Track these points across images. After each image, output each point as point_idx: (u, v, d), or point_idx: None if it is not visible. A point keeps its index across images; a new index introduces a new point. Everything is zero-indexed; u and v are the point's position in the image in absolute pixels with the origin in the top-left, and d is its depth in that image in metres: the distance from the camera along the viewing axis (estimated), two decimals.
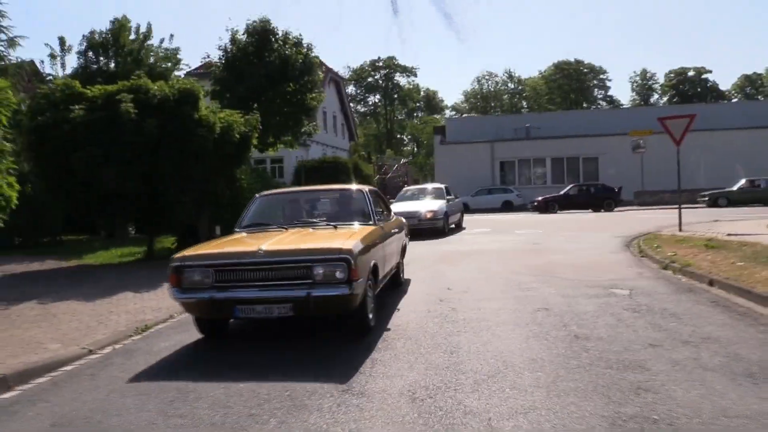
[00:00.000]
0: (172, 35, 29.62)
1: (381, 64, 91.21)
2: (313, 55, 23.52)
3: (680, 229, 15.00)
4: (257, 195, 8.02)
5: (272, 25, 22.45)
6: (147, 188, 12.54)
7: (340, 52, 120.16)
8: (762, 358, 4.72)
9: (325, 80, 45.80)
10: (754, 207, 28.66)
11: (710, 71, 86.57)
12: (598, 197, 31.13)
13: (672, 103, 76.20)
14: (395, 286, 8.44)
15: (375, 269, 6.25)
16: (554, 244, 13.83)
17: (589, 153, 39.14)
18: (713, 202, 30.57)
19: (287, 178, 39.70)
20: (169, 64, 24.98)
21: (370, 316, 6.03)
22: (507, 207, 36.04)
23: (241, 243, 6.34)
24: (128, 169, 12.15)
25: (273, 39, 22.33)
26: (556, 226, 19.56)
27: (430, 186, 21.42)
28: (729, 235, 12.77)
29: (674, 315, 6.32)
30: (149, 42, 24.88)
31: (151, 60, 24.73)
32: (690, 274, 8.72)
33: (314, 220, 7.23)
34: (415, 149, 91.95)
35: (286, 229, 6.68)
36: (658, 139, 35.83)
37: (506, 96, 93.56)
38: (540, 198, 31.36)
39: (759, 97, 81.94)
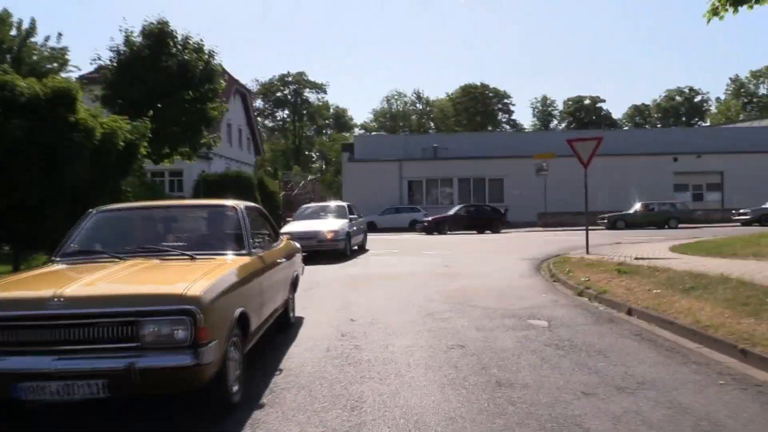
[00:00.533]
0: (60, 34, 27.27)
1: (290, 79, 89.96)
2: (215, 62, 22.19)
3: (588, 252, 14.87)
4: (92, 210, 5.92)
5: (170, 28, 20.95)
6: (7, 199, 10.87)
7: (249, 65, 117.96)
8: (708, 410, 4.11)
9: (231, 91, 44.16)
10: (649, 229, 29.75)
11: (604, 101, 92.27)
12: (485, 219, 30.94)
13: (570, 129, 79.65)
14: (282, 329, 6.79)
15: (243, 320, 4.59)
16: (465, 267, 13.25)
17: (495, 174, 39.65)
18: (612, 225, 31.54)
19: (187, 191, 37.68)
20: (55, 65, 22.90)
21: (234, 389, 4.33)
22: (414, 226, 35.71)
23: (41, 282, 4.50)
24: None
25: (171, 42, 20.84)
26: (463, 248, 19.16)
27: (332, 204, 19.90)
28: (637, 258, 12.65)
29: (600, 352, 5.70)
30: (32, 39, 22.74)
31: (34, 59, 22.55)
32: (607, 302, 8.27)
33: (168, 247, 5.36)
34: (324, 166, 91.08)
35: (122, 259, 4.90)
36: (560, 163, 36.90)
37: (414, 116, 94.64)
38: (430, 218, 30.58)
39: (647, 126, 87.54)
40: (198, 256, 5.01)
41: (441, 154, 41.78)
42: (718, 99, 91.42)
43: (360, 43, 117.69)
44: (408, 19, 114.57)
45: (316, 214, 18.04)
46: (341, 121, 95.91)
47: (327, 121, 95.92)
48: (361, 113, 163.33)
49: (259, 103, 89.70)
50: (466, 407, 4.20)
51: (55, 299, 3.77)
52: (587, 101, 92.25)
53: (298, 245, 7.99)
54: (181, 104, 21.03)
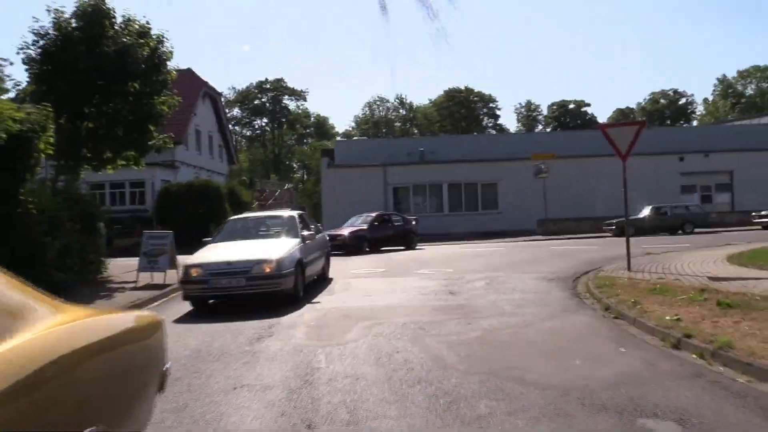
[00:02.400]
0: None
1: (268, 86, 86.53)
2: (165, 48, 18.62)
3: (629, 268, 11.60)
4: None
5: (107, 6, 17.41)
6: None
7: (224, 72, 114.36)
8: None
9: (199, 94, 40.62)
10: (661, 235, 26.57)
11: (589, 104, 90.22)
12: (401, 232, 24.32)
13: (556, 132, 77.02)
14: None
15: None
16: (476, 295, 9.86)
17: (488, 179, 36.41)
18: (621, 231, 28.10)
19: (149, 203, 34.04)
20: None
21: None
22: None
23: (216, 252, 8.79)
24: None
25: (108, 23, 17.30)
26: (464, 264, 15.80)
27: (276, 214, 13.76)
28: (714, 279, 9.37)
29: None
30: None
31: None
32: (743, 366, 4.92)
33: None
34: (305, 176, 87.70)
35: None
36: (561, 164, 33.88)
37: (398, 123, 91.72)
38: (347, 232, 22.32)
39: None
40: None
41: (428, 158, 38.56)
42: (705, 100, 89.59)
43: (340, 49, 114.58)
44: (389, 24, 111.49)
45: (248, 232, 11.90)
46: (323, 129, 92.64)
47: (308, 130, 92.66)
48: (342, 122, 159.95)
49: (236, 111, 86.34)
50: None
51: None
52: (572, 105, 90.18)
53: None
54: (123, 99, 17.53)
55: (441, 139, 50.52)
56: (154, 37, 18.54)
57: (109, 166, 18.96)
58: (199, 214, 28.00)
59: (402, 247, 23.16)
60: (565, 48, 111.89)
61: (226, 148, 48.44)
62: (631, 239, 25.39)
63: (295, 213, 12.56)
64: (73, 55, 16.95)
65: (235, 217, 13.78)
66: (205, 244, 11.25)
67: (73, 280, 12.30)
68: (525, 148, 36.76)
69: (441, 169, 36.36)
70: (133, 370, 2.68)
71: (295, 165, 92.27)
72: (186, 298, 9.76)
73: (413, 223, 25.56)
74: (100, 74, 17.10)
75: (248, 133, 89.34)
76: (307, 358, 5.92)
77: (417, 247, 23.46)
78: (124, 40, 17.30)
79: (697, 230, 28.17)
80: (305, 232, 11.36)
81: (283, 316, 8.41)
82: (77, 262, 12.75)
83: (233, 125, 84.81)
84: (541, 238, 28.70)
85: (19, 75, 72.65)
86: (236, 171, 56.30)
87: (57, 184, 17.69)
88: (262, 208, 34.01)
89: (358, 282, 12.35)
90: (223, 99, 62.01)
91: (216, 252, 10.33)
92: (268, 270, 9.36)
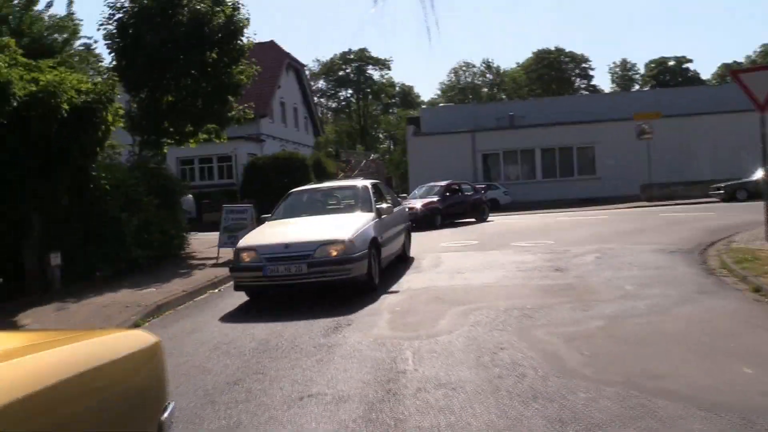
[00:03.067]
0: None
1: (352, 56, 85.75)
2: (240, 15, 17.91)
3: None
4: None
5: None
6: None
7: (308, 45, 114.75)
8: None
9: (282, 66, 40.28)
10: None
11: (691, 60, 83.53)
12: (473, 203, 22.12)
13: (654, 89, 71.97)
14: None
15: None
16: (590, 273, 8.47)
17: (584, 142, 34.05)
18: (730, 196, 25.36)
19: (237, 177, 34.13)
20: (65, 36, 19.30)
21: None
22: (493, 206, 30.85)
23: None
24: None
25: None
26: (566, 235, 14.30)
27: (347, 184, 11.87)
28: None
29: None
30: (35, 8, 19.26)
31: (40, 30, 18.98)
32: None
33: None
34: (392, 146, 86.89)
35: None
36: (666, 124, 31.12)
37: (485, 88, 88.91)
38: (419, 205, 19.45)
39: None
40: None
41: (518, 122, 36.59)
42: None
43: (422, 15, 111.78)
44: None
45: (314, 206, 10.07)
46: (408, 99, 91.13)
47: (393, 100, 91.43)
48: (428, 90, 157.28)
49: (321, 83, 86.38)
50: None
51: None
52: (672, 62, 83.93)
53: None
54: (200, 68, 17.02)
55: (531, 102, 47.92)
56: (229, 3, 17.86)
57: (191, 139, 18.59)
58: (284, 186, 27.66)
59: (473, 219, 21.15)
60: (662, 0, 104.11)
61: (311, 120, 48.16)
62: (739, 203, 23.02)
63: (368, 183, 10.43)
64: (148, 26, 16.53)
65: (299, 188, 11.26)
66: (263, 221, 9.78)
67: (153, 257, 11.93)
68: (623, 108, 34.13)
69: (532, 134, 34.34)
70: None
71: (381, 135, 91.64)
72: (238, 288, 8.17)
73: (483, 192, 24.10)
74: (176, 44, 16.60)
75: (334, 105, 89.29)
76: (391, 355, 4.90)
77: (489, 219, 21.68)
78: (199, 7, 16.69)
79: None
80: (382, 205, 9.56)
81: (360, 310, 7.04)
82: (157, 238, 12.35)
83: (318, 97, 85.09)
84: (645, 205, 26.39)
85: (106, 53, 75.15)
86: (322, 143, 56.11)
87: (142, 159, 17.54)
88: (348, 179, 33.34)
89: (449, 257, 11.16)
90: (307, 71, 61.96)
91: (273, 232, 8.67)
92: (334, 253, 7.61)
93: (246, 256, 7.90)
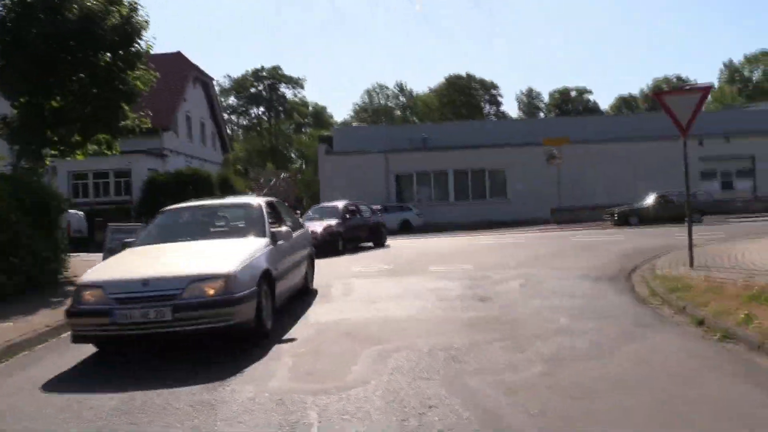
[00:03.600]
0: None
1: (265, 73, 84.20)
2: (139, 17, 16.38)
3: (692, 264, 9.52)
4: None
5: None
6: None
7: (219, 61, 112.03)
8: None
9: (189, 78, 38.35)
10: (668, 226, 23.45)
11: (590, 92, 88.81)
12: (373, 226, 20.61)
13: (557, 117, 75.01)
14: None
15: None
16: (516, 303, 7.74)
17: (496, 165, 34.28)
18: (623, 220, 25.80)
19: (135, 194, 31.84)
20: None
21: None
22: (406, 228, 30.32)
23: None
24: None
25: None
26: (484, 258, 13.71)
27: (234, 201, 9.44)
28: None
29: None
30: None
31: None
32: None
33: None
34: (303, 166, 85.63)
35: None
36: (573, 149, 31.74)
37: (398, 111, 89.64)
38: (319, 229, 16.68)
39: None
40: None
41: (431, 145, 36.47)
42: (711, 86, 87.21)
43: (337, 37, 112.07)
44: (388, 13, 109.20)
45: (193, 229, 8.04)
46: (321, 119, 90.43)
47: (306, 119, 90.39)
48: (341, 111, 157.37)
49: (232, 100, 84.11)
50: None
51: None
52: (573, 93, 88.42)
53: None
54: (89, 72, 15.39)
55: (444, 125, 48.19)
56: (126, 3, 16.30)
57: (78, 151, 16.80)
58: None
59: (371, 244, 19.62)
60: (567, 32, 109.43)
61: (219, 136, 46.21)
62: (631, 228, 23.46)
63: (262, 200, 8.54)
64: (30, 22, 14.75)
65: (175, 206, 8.88)
66: (125, 246, 7.59)
67: (19, 283, 10.26)
68: (532, 133, 34.78)
69: (446, 156, 34.25)
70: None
71: (293, 155, 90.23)
72: (77, 338, 5.99)
73: (379, 215, 22.51)
74: (62, 43, 14.92)
75: (245, 122, 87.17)
76: (290, 419, 3.83)
77: (395, 242, 20.58)
78: (90, 4, 15.09)
79: (706, 219, 25.47)
80: (280, 228, 7.80)
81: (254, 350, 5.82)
82: (27, 262, 10.68)
83: (229, 114, 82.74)
84: (554, 228, 26.58)
85: None
86: (231, 160, 54.06)
87: (17, 171, 15.58)
88: (240, 196, 31.79)
89: (361, 285, 10.18)
90: (217, 87, 59.85)
91: (131, 263, 6.64)
92: (211, 292, 5.72)
93: (89, 296, 5.89)
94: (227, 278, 5.80)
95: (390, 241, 20.58)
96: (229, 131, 61.29)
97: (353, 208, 20.30)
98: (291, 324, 7.05)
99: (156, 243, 7.39)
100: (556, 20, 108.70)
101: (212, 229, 7.92)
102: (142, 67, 16.40)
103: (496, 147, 33.98)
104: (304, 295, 8.85)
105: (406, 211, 31.52)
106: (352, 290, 9.53)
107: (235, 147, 65.99)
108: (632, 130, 34.94)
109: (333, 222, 18.18)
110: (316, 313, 7.71)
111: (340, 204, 20.04)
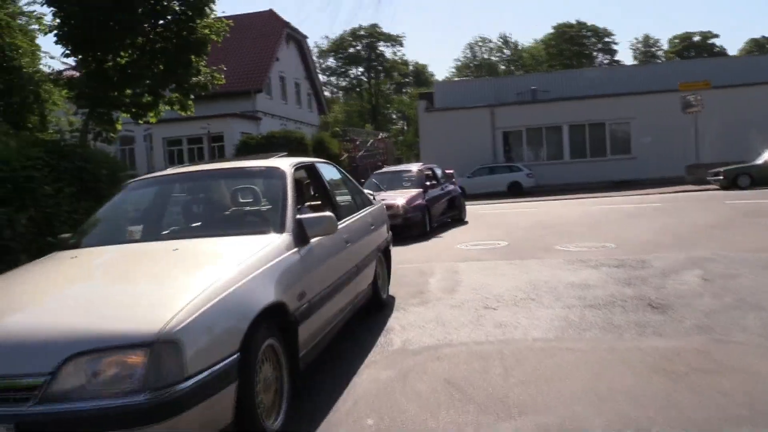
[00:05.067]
0: None
1: (363, 32, 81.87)
2: None
3: None
4: None
5: None
6: None
7: (316, 22, 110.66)
8: None
9: (281, 36, 36.63)
10: None
11: (717, 35, 79.11)
12: (454, 197, 15.36)
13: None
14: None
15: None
16: (716, 315, 4.94)
17: (618, 117, 30.19)
18: (732, 182, 20.84)
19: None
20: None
21: None
22: (515, 190, 27.27)
23: None
24: None
25: None
26: (624, 232, 10.75)
27: (238, 165, 5.25)
28: None
29: None
30: None
31: None
32: None
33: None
34: (405, 127, 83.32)
35: None
36: (714, 96, 27.19)
37: (503, 65, 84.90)
38: (400, 202, 12.20)
39: None
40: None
41: (541, 97, 32.85)
42: None
43: None
44: None
45: (168, 217, 4.86)
46: (421, 78, 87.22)
47: (406, 79, 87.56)
48: (442, 69, 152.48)
49: (331, 61, 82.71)
50: None
51: None
52: (697, 38, 79.38)
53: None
54: (155, 23, 13.65)
55: (556, 74, 43.79)
56: None
57: (151, 112, 15.14)
58: None
59: (449, 220, 14.91)
60: None
61: (316, 97, 44.56)
62: (742, 191, 18.71)
63: (287, 164, 4.69)
64: None
65: (144, 176, 5.61)
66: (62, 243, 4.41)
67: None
68: (656, 81, 30.32)
69: (559, 109, 30.54)
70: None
71: (394, 116, 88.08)
72: None
73: (453, 180, 16.32)
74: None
75: (344, 84, 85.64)
76: None
77: (515, 203, 17.07)
78: None
79: None
80: (313, 214, 4.27)
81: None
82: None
83: (328, 76, 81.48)
84: (693, 189, 22.54)
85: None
86: (329, 121, 52.46)
87: (88, 137, 14.15)
88: (351, 161, 29.82)
89: (469, 272, 7.66)
90: (315, 49, 58.24)
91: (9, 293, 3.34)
92: (118, 385, 2.45)
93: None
94: (153, 347, 2.46)
95: (498, 206, 17.75)
96: (329, 94, 59.77)
97: (429, 172, 15.05)
98: (350, 352, 4.64)
99: (101, 244, 4.22)
100: None
101: (195, 222, 4.60)
102: (213, 13, 14.43)
103: (617, 96, 29.93)
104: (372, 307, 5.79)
105: (516, 172, 28.40)
106: (459, 283, 6.99)
107: (334, 109, 64.58)
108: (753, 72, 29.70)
109: (415, 192, 13.31)
110: (400, 329, 5.26)
111: (415, 167, 15.38)
